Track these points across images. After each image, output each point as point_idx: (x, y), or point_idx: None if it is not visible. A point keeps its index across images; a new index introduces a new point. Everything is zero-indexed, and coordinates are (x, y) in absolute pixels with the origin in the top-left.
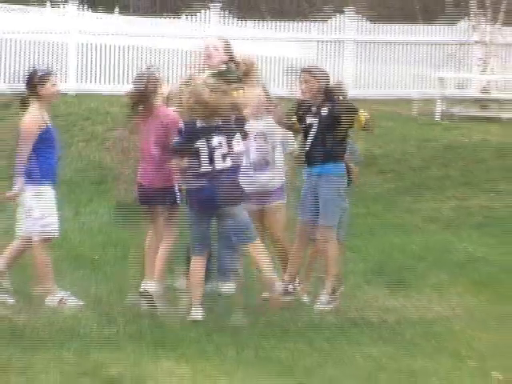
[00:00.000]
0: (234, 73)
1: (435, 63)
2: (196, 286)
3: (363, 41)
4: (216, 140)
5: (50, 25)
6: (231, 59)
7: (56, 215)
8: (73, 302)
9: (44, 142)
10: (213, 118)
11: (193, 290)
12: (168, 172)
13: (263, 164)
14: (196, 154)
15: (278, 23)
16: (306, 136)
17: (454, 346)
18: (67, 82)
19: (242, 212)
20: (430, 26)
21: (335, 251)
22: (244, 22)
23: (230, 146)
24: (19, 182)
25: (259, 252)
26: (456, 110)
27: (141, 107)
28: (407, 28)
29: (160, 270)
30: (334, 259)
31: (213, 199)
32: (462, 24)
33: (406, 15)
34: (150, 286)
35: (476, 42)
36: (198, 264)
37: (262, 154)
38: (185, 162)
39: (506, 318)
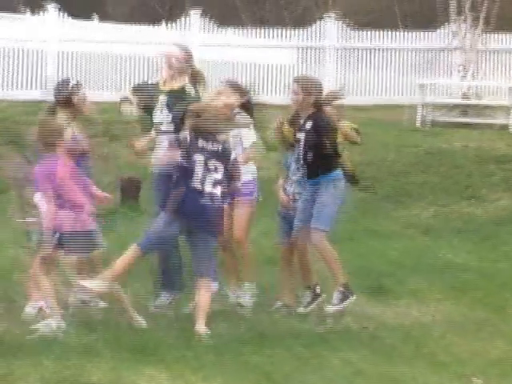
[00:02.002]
0: (190, 94)
1: (416, 69)
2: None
3: (344, 47)
4: (212, 163)
5: (28, 32)
6: (192, 70)
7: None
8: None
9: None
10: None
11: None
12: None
13: None
14: (191, 166)
15: (258, 30)
16: (297, 150)
17: (433, 351)
18: (47, 90)
19: (212, 247)
20: (410, 32)
21: (331, 252)
22: (224, 29)
23: (225, 175)
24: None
25: (205, 291)
26: (436, 115)
27: None
28: (388, 34)
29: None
30: (334, 259)
31: (195, 215)
32: (443, 30)
33: (387, 22)
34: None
35: (456, 48)
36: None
37: None
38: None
39: (484, 323)
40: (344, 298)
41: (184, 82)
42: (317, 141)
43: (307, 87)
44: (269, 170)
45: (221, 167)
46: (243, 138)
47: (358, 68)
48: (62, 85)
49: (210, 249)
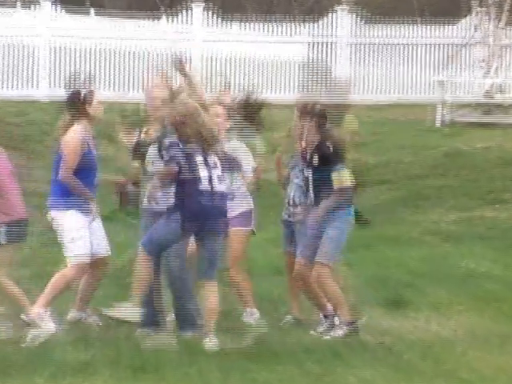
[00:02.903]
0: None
1: (435, 65)
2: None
3: (358, 42)
4: (212, 160)
5: (20, 27)
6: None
7: (86, 239)
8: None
9: (82, 165)
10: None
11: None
12: None
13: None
14: (194, 169)
15: (265, 24)
16: (307, 188)
17: (455, 368)
18: (38, 88)
19: (219, 245)
20: (429, 26)
21: (334, 288)
22: (229, 23)
23: (223, 170)
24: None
25: (210, 292)
26: (456, 115)
27: None
28: (405, 28)
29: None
30: (337, 296)
31: (206, 219)
32: (464, 23)
33: (403, 15)
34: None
35: (477, 44)
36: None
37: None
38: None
39: (509, 337)
40: (346, 334)
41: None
42: (325, 175)
43: (310, 116)
44: (273, 173)
45: (218, 162)
46: (242, 162)
47: (373, 64)
48: (74, 96)
49: (220, 250)
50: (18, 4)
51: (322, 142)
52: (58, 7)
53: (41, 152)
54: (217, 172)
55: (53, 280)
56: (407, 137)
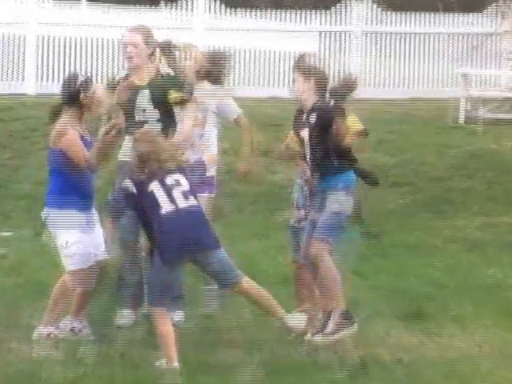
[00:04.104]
0: (176, 78)
1: (458, 58)
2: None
3: (373, 31)
4: (170, 179)
5: (5, 15)
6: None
7: (83, 243)
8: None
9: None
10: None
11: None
12: None
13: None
14: (151, 197)
15: (272, 12)
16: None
17: None
18: (25, 81)
19: (224, 254)
20: (451, 15)
21: (331, 269)
22: (234, 10)
23: (190, 183)
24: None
25: (254, 287)
26: (482, 111)
27: None
28: (425, 16)
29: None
30: (333, 278)
31: (188, 242)
32: (490, 11)
33: (424, 1)
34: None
35: (505, 33)
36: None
37: None
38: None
39: None
40: (339, 328)
41: (154, 67)
42: (323, 136)
43: (307, 72)
44: (282, 175)
45: (182, 178)
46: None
47: (390, 56)
48: (69, 81)
49: (225, 257)
50: None
51: (321, 100)
52: None
53: (27, 150)
54: (180, 189)
55: (53, 294)
56: (428, 135)
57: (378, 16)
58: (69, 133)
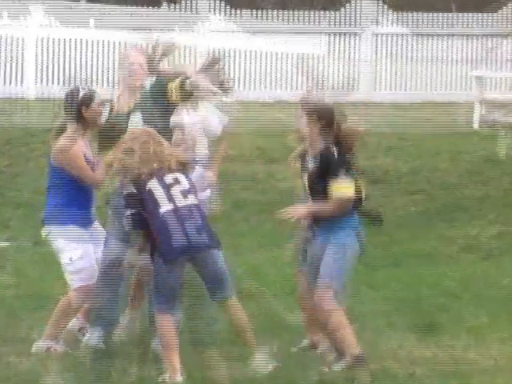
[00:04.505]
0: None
1: (472, 59)
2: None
3: (384, 33)
4: (170, 177)
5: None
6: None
7: (88, 257)
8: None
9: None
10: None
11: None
12: None
13: None
14: (149, 196)
15: (279, 12)
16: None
17: None
18: (24, 84)
19: (222, 258)
20: (465, 15)
21: (339, 317)
22: (239, 10)
23: (190, 182)
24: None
25: (237, 310)
26: (498, 115)
27: None
28: (437, 17)
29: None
30: (341, 324)
31: (187, 241)
32: (505, 11)
33: (436, 1)
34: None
35: None
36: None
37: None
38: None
39: None
40: (349, 369)
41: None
42: (322, 183)
43: (314, 114)
44: (289, 182)
45: (181, 177)
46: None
47: (401, 58)
48: (72, 95)
49: (223, 262)
50: None
51: (326, 147)
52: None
53: (25, 156)
54: (180, 187)
55: (56, 310)
56: (442, 140)
57: (389, 16)
58: (72, 149)
